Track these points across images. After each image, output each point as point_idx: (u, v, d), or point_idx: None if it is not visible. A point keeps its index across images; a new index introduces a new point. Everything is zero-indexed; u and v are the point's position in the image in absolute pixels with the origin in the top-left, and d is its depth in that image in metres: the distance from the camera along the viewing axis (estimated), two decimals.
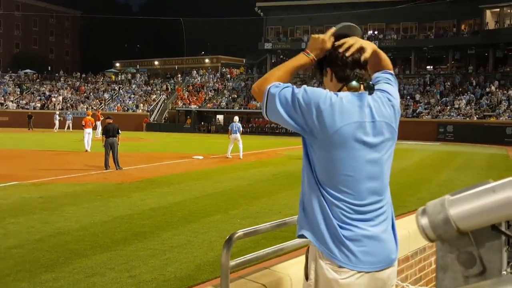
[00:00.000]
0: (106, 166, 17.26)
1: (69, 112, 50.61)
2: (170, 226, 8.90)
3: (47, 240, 7.75)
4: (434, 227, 1.31)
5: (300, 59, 2.33)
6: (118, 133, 17.54)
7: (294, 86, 2.21)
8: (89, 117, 25.06)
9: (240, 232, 2.62)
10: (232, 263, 2.55)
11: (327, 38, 2.28)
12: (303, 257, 2.74)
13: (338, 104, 2.12)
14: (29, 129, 48.07)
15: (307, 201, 2.24)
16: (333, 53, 2.28)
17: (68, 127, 46.18)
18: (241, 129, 23.00)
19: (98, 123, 38.62)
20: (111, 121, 18.02)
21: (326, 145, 2.14)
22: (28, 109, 57.36)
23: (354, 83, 2.22)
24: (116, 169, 17.14)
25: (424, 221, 1.33)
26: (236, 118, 23.43)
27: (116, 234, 8.20)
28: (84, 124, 24.60)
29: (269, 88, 2.22)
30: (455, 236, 1.29)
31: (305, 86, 2.21)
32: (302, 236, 2.26)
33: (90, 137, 24.55)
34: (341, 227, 2.13)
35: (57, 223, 8.88)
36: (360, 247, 2.12)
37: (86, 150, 24.10)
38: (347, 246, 2.12)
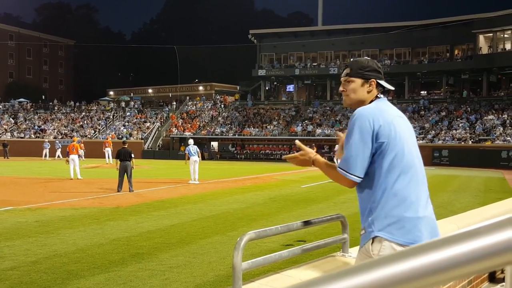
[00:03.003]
0: (119, 188, 17.96)
1: (57, 141, 49.90)
2: (168, 247, 8.77)
3: (44, 262, 7.60)
4: None
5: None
6: (130, 157, 18.25)
7: None
8: (75, 143, 24.13)
9: (251, 233, 2.54)
10: (245, 265, 2.47)
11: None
12: (315, 263, 2.65)
13: None
14: (5, 158, 46.17)
15: None
16: None
17: (59, 156, 45.79)
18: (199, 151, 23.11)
19: (108, 149, 38.47)
20: (125, 145, 18.82)
21: None
22: (22, 137, 57.18)
23: None
24: (130, 191, 17.79)
25: None
26: (192, 141, 23.60)
27: (114, 256, 8.05)
28: (68, 151, 24.01)
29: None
30: None
31: None
32: None
33: (76, 163, 23.49)
34: None
35: (53, 246, 8.73)
36: None
37: (71, 178, 23.17)
38: None
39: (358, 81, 2.83)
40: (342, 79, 2.90)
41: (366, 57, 3.01)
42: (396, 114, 2.75)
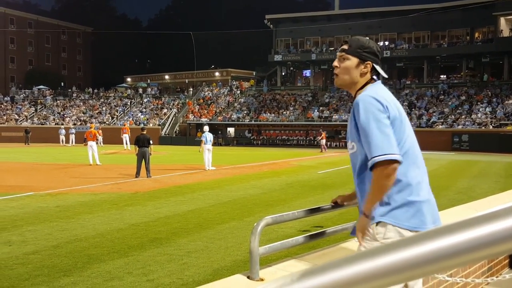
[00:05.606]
0: (137, 174, 18.25)
1: (71, 128, 50.70)
2: (186, 232, 8.85)
3: (65, 246, 7.73)
4: None
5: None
6: (149, 143, 18.60)
7: None
8: (92, 129, 24.27)
9: (268, 218, 2.56)
10: (262, 249, 2.49)
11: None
12: (332, 248, 2.67)
13: None
14: (26, 144, 47.71)
15: None
16: None
17: (72, 142, 46.81)
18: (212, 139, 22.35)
19: (126, 135, 38.94)
20: (144, 132, 19.11)
21: None
22: (43, 124, 57.90)
23: None
24: (147, 177, 18.15)
25: None
26: (207, 127, 22.88)
27: (133, 240, 8.16)
28: (85, 138, 24.41)
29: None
30: None
31: None
32: None
33: (95, 149, 23.75)
34: None
35: (74, 230, 8.87)
36: None
37: (90, 164, 23.36)
38: None
39: (354, 60, 2.68)
40: (338, 54, 2.74)
41: (367, 38, 2.83)
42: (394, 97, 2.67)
